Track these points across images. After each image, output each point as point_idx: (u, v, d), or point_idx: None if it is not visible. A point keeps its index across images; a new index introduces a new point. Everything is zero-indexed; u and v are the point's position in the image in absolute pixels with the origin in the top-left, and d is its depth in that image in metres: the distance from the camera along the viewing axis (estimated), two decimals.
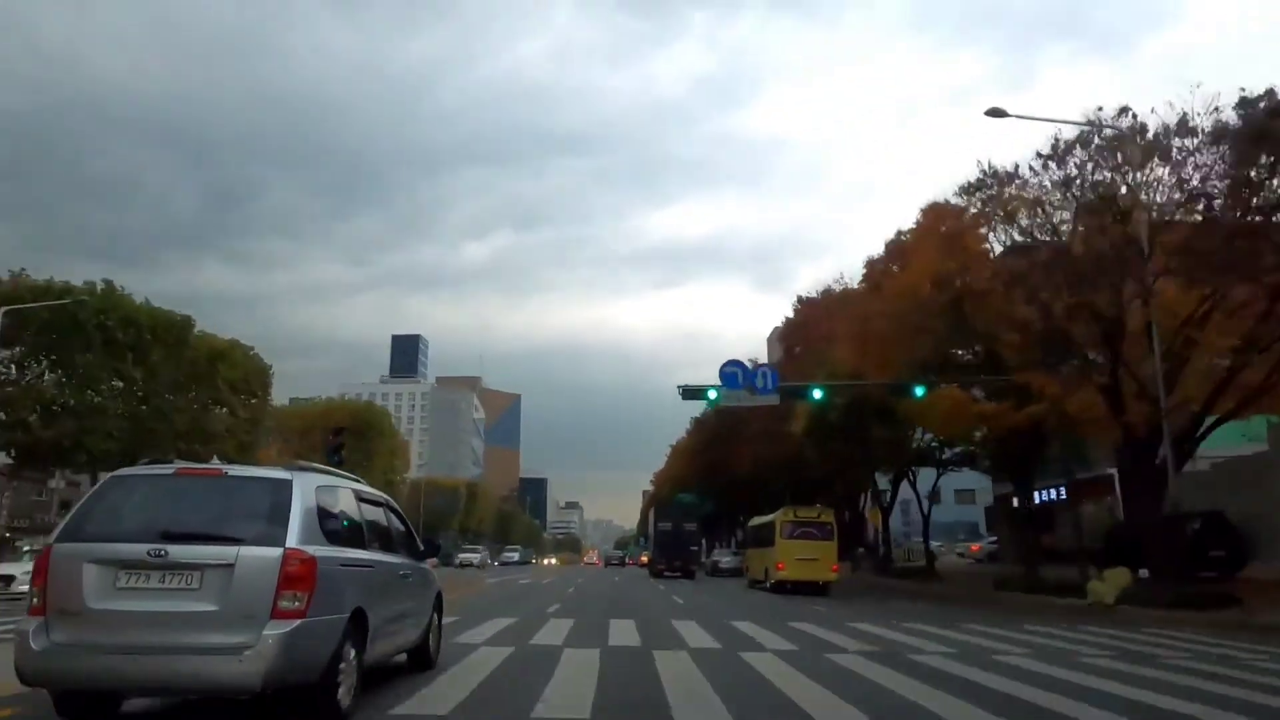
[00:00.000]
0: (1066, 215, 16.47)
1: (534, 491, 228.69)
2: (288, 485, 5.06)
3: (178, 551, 4.66)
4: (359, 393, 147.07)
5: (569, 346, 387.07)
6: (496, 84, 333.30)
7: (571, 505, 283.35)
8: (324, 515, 5.28)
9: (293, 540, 4.81)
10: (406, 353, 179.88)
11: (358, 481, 6.58)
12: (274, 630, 4.56)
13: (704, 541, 64.83)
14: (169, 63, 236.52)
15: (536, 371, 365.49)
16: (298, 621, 4.65)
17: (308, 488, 5.21)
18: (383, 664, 6.48)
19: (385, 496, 7.15)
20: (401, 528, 7.18)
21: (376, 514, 6.54)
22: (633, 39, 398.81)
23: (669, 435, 75.61)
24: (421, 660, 7.38)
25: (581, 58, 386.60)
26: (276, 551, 4.73)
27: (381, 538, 6.45)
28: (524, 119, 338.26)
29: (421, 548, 7.58)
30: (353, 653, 5.29)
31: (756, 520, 28.50)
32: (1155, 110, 15.21)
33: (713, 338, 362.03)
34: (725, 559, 40.56)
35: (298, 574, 4.71)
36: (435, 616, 7.70)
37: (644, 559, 60.31)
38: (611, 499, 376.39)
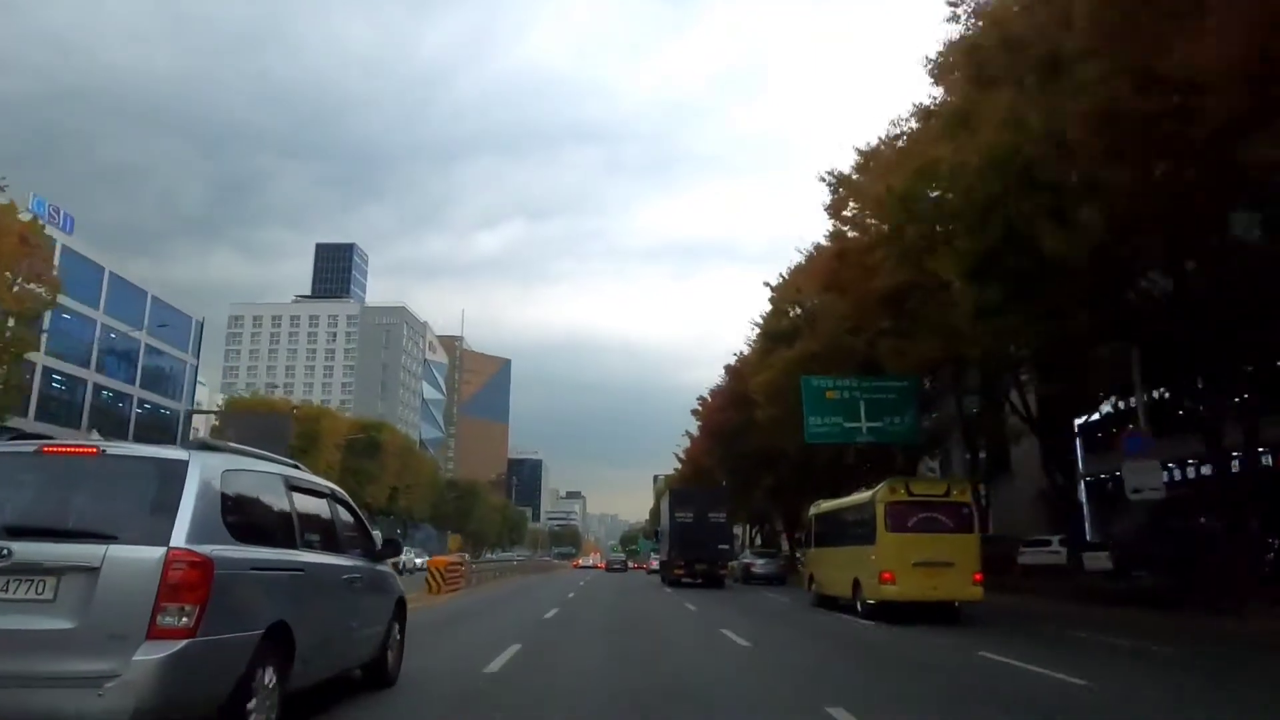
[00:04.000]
0: None
1: (526, 475, 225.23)
2: (180, 467, 4.78)
3: (25, 550, 4.37)
4: (258, 314, 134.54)
5: (578, 340, 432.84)
6: (511, 75, 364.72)
7: (573, 495, 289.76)
8: (232, 506, 4.99)
9: (180, 537, 4.48)
10: (335, 267, 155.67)
11: (295, 467, 6.41)
12: (149, 655, 4.22)
13: (749, 534, 58.15)
14: (180, 52, 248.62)
15: (544, 364, 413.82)
16: (183, 642, 4.31)
17: (210, 471, 4.94)
18: (336, 681, 6.60)
19: (331, 486, 7.00)
20: (351, 522, 7.10)
21: (315, 506, 6.39)
22: (650, 27, 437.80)
23: (679, 434, 65.10)
24: (379, 677, 7.36)
25: (597, 48, 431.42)
26: (157, 552, 4.39)
27: (322, 535, 6.33)
28: (538, 109, 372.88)
29: (378, 546, 7.51)
30: (271, 678, 5.06)
31: (830, 504, 21.69)
32: None
33: (724, 336, 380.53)
34: (760, 562, 36.07)
35: (185, 580, 4.37)
36: (396, 627, 7.69)
37: (654, 563, 56.05)
38: (617, 496, 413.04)
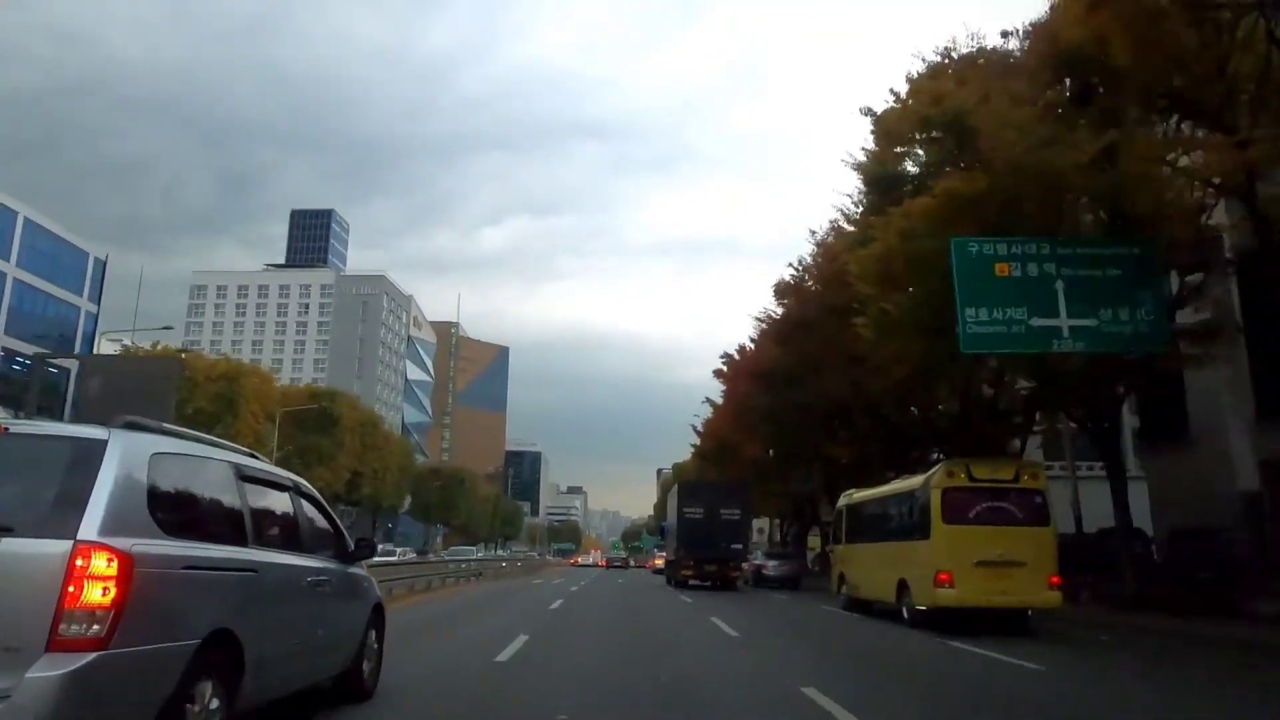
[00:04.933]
0: None
1: (526, 468, 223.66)
2: (98, 448, 4.28)
3: None
4: (223, 283, 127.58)
5: (582, 337, 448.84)
6: (516, 70, 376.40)
7: (574, 490, 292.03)
8: (162, 496, 4.50)
9: (92, 529, 3.95)
10: (311, 234, 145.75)
11: (252, 456, 5.97)
12: (47, 671, 3.68)
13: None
14: (185, 45, 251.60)
15: (548, 360, 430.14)
16: (92, 655, 3.77)
17: (135, 454, 4.44)
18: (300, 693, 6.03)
19: (294, 478, 6.58)
20: (319, 520, 6.74)
21: (274, 500, 5.98)
22: (656, 23, 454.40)
23: (682, 431, 62.12)
24: (352, 690, 6.95)
25: (603, 43, 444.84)
26: (61, 546, 3.87)
27: (282, 532, 5.96)
28: (544, 104, 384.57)
29: (351, 547, 7.11)
30: (212, 697, 4.53)
31: (868, 493, 19.52)
32: None
33: (729, 333, 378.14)
34: (773, 564, 34.18)
35: (96, 580, 3.85)
36: (373, 634, 7.32)
37: (657, 561, 54.15)
38: (619, 492, 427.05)
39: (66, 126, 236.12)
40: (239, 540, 5.16)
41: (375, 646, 7.41)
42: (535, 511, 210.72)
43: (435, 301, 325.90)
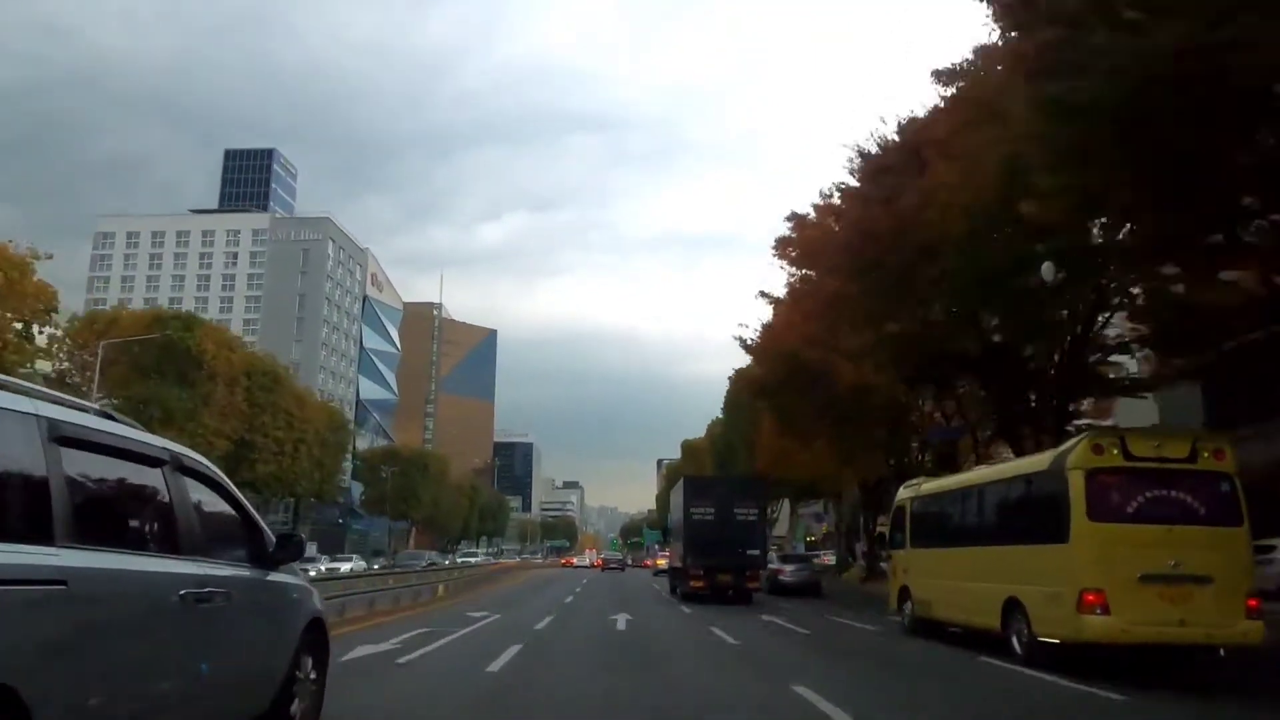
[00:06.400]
0: None
1: (516, 460, 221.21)
2: None
3: None
4: (135, 228, 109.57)
5: (579, 332, 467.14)
6: (514, 63, 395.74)
7: (570, 485, 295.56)
8: None
9: None
10: (248, 179, 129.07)
11: (105, 415, 4.57)
12: None
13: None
14: (177, 39, 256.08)
15: (546, 357, 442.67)
16: None
17: None
18: None
19: (172, 448, 4.91)
20: (218, 508, 5.34)
21: (124, 475, 4.44)
22: (653, 16, 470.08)
23: (680, 428, 58.74)
24: None
25: (602, 36, 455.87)
26: None
27: (140, 524, 4.63)
28: (542, 97, 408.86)
29: (271, 545, 5.77)
30: None
31: (950, 481, 16.09)
32: None
33: (727, 327, 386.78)
34: (790, 569, 32.17)
35: None
36: (307, 662, 5.99)
37: (659, 561, 52.30)
38: (616, 488, 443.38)
39: (59, 122, 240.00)
40: (36, 536, 3.55)
41: (311, 678, 6.02)
42: (527, 507, 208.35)
43: (429, 297, 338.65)
